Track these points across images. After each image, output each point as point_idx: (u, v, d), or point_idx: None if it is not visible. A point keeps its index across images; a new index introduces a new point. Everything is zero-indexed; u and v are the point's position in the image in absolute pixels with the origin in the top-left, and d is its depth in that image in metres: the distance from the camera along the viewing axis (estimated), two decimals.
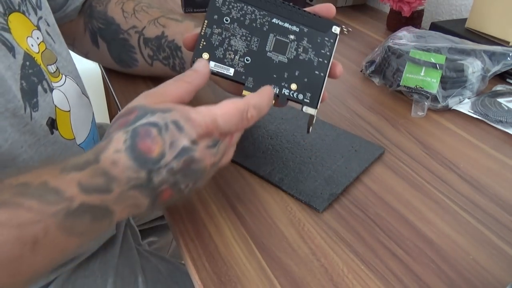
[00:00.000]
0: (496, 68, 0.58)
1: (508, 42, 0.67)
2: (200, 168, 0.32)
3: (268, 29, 0.41)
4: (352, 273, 0.34)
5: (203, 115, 0.32)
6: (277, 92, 0.40)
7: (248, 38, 0.40)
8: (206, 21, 0.40)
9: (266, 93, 0.37)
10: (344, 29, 0.41)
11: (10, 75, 0.34)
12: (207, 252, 0.35)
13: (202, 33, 0.40)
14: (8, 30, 0.35)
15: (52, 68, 0.41)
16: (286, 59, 0.40)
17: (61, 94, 0.41)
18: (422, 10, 0.81)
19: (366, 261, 0.35)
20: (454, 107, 0.57)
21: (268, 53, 0.41)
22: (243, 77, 0.40)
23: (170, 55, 0.53)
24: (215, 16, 0.40)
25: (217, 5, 0.40)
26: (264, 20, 0.41)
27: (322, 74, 0.40)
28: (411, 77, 0.57)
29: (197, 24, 0.53)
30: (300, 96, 0.40)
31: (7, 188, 0.27)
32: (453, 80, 0.56)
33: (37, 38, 0.40)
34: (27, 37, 0.38)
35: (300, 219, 0.39)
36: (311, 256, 0.35)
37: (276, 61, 0.40)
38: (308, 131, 0.42)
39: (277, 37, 0.41)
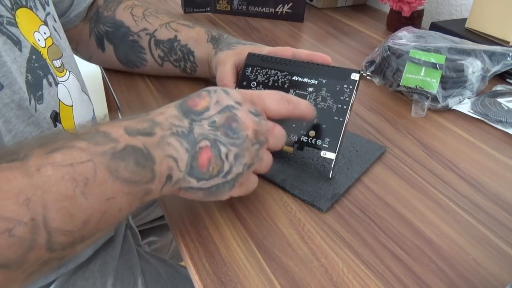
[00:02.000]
0: (496, 68, 0.58)
1: (508, 42, 0.67)
2: (241, 129, 0.34)
3: (289, 86, 0.45)
4: (352, 273, 0.34)
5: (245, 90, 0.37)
6: (295, 139, 0.43)
7: None
8: (236, 88, 0.47)
9: (306, 101, 0.41)
10: (364, 74, 0.42)
11: (15, 68, 0.35)
12: (207, 252, 0.35)
13: None
14: (15, 24, 0.36)
15: (57, 63, 0.42)
16: None
17: (65, 89, 0.42)
18: (422, 10, 0.81)
19: (366, 261, 0.35)
20: (454, 107, 0.57)
21: None
22: None
23: (181, 58, 0.56)
24: (244, 83, 0.47)
25: (247, 74, 0.47)
26: (285, 79, 0.46)
27: (341, 119, 0.42)
28: (411, 77, 0.57)
29: (208, 29, 0.57)
30: (319, 142, 0.42)
31: (63, 138, 0.29)
32: (453, 80, 0.56)
33: (44, 33, 0.41)
34: (34, 32, 0.39)
35: (300, 219, 0.39)
36: (311, 256, 0.35)
37: None
38: (329, 177, 0.43)
39: (296, 91, 0.45)
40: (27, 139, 0.35)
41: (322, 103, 0.43)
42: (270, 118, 0.37)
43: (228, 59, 0.51)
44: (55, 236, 0.27)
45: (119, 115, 0.57)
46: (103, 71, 0.64)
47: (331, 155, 0.41)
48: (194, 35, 0.55)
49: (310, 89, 0.44)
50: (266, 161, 0.37)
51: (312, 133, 0.42)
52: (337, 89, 0.43)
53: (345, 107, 0.42)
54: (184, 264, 0.37)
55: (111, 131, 0.30)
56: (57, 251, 0.27)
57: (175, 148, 0.32)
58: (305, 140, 0.42)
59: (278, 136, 0.37)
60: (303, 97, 0.44)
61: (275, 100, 0.37)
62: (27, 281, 0.27)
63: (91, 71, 1.36)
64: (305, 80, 0.45)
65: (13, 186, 0.25)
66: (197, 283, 0.33)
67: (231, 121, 0.34)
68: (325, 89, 0.44)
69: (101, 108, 1.75)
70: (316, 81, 0.44)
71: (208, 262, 0.34)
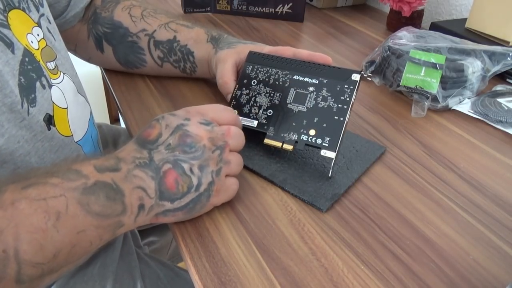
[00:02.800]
0: (496, 68, 0.58)
1: (508, 42, 0.67)
2: (196, 142, 0.35)
3: (290, 85, 0.46)
4: (352, 273, 0.34)
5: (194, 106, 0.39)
6: (296, 138, 0.43)
7: (272, 94, 0.46)
8: (237, 85, 0.47)
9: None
10: (365, 75, 0.42)
11: (8, 71, 0.35)
12: (207, 252, 0.35)
13: (233, 95, 0.47)
14: (7, 26, 0.36)
15: (51, 65, 0.41)
16: (305, 108, 0.44)
17: (59, 91, 0.41)
18: (422, 10, 0.81)
19: (366, 261, 0.35)
20: (454, 107, 0.57)
21: (289, 105, 0.44)
22: (265, 127, 0.44)
23: (181, 58, 0.56)
24: (245, 81, 0.47)
25: (247, 72, 0.48)
26: (286, 78, 0.46)
27: (341, 119, 0.42)
28: (411, 77, 0.57)
29: (207, 30, 0.57)
30: (319, 141, 0.42)
31: (37, 175, 0.31)
32: (453, 80, 0.56)
33: (38, 35, 0.40)
34: (27, 34, 0.39)
35: (300, 219, 0.39)
36: (311, 256, 0.35)
37: (295, 111, 0.44)
38: (329, 176, 0.43)
39: (297, 90, 0.45)
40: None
41: (322, 102, 0.43)
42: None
43: (228, 58, 0.51)
44: (24, 268, 0.27)
45: (120, 115, 0.57)
46: (103, 71, 0.64)
47: (331, 154, 0.41)
48: (193, 35, 0.55)
49: (311, 89, 0.44)
50: (234, 162, 0.38)
51: (312, 132, 0.42)
52: (338, 89, 0.43)
53: (345, 107, 0.42)
54: (184, 264, 0.37)
55: (82, 168, 0.32)
56: (25, 283, 0.28)
57: (142, 178, 0.34)
58: (305, 139, 0.42)
59: (236, 136, 0.38)
60: (304, 96, 0.44)
61: (220, 110, 0.39)
62: None
63: (91, 71, 1.36)
64: (306, 79, 0.45)
65: None
66: (197, 283, 0.33)
67: (185, 138, 0.35)
68: (325, 88, 0.44)
69: (101, 108, 1.75)
70: (317, 81, 0.44)
71: (208, 262, 0.34)
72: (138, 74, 0.61)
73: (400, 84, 0.57)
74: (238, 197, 0.41)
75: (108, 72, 0.63)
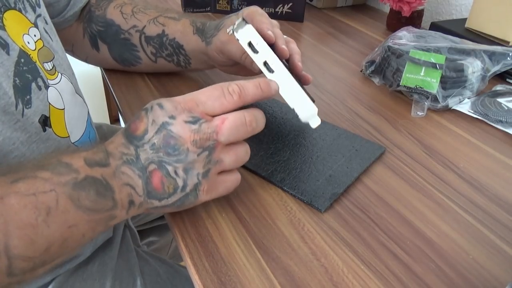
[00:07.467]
0: (496, 68, 0.58)
1: (508, 42, 0.67)
2: (179, 144, 0.33)
3: None
4: (352, 273, 0.34)
5: (184, 95, 0.36)
6: None
7: None
8: None
9: (254, 80, 0.36)
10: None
11: (2, 72, 0.35)
12: (207, 252, 0.35)
13: None
14: (2, 27, 0.36)
15: (48, 66, 0.41)
16: None
17: (56, 92, 0.41)
18: (422, 10, 0.81)
19: (366, 261, 0.35)
20: (454, 107, 0.57)
21: None
22: None
23: (173, 52, 0.56)
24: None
25: None
26: None
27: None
28: (411, 77, 0.57)
29: (193, 20, 0.56)
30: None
31: (27, 168, 0.31)
32: (453, 80, 0.56)
33: (34, 35, 0.40)
34: (23, 34, 0.38)
35: (300, 219, 0.39)
36: (311, 256, 0.35)
37: None
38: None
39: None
40: None
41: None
42: (221, 114, 0.35)
43: (227, 39, 0.50)
44: (15, 262, 0.28)
45: (120, 115, 0.57)
46: (103, 71, 0.64)
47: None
48: (180, 28, 0.55)
49: None
50: (229, 160, 0.35)
51: None
52: None
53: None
54: (184, 264, 0.37)
55: (72, 161, 0.32)
56: (17, 276, 0.28)
57: (129, 176, 0.33)
58: None
59: (229, 129, 0.34)
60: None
61: (214, 97, 0.34)
62: None
63: (91, 71, 1.36)
64: None
65: None
66: (197, 283, 0.33)
67: (168, 139, 0.33)
68: None
69: (101, 108, 1.76)
70: None
71: (208, 262, 0.34)
72: (138, 73, 0.61)
73: (400, 84, 0.57)
74: (238, 197, 0.41)
75: (108, 71, 0.63)
